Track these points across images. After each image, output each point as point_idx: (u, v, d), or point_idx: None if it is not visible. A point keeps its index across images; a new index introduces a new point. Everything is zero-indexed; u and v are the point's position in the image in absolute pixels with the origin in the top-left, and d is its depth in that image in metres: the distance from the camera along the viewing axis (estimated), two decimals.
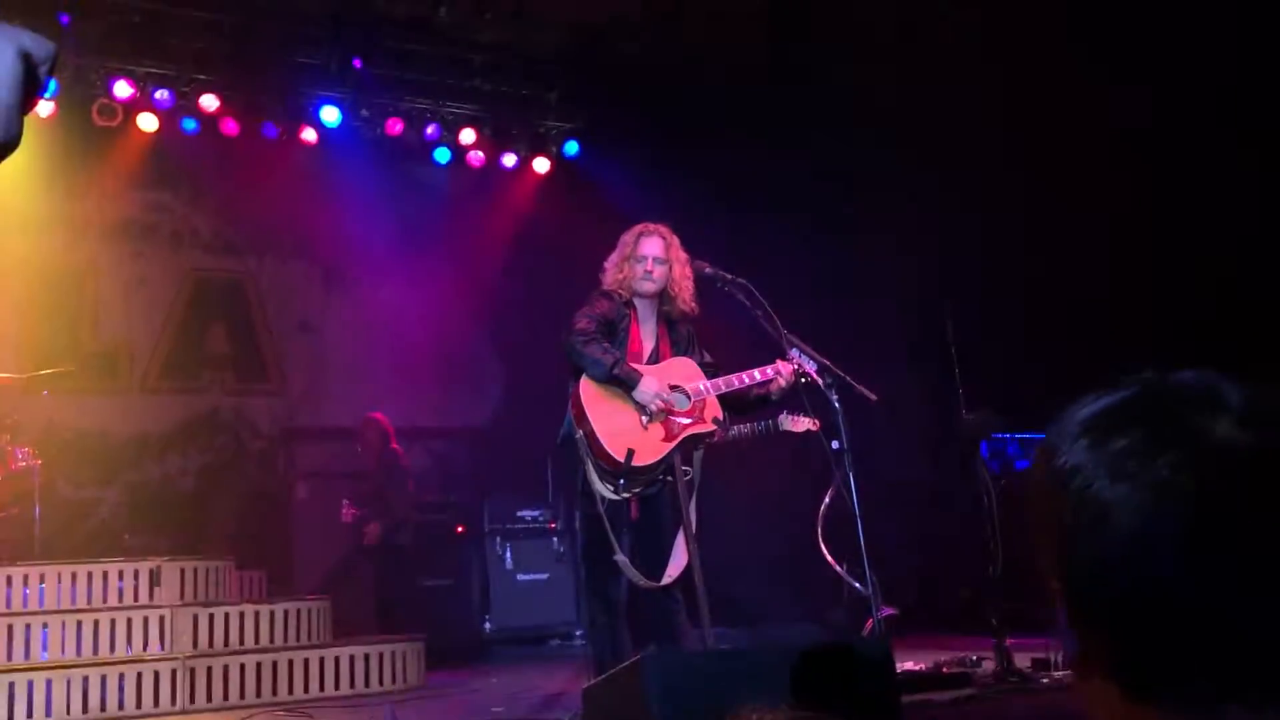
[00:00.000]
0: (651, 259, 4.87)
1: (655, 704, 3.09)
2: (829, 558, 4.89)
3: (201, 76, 8.59)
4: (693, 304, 4.96)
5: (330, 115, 8.99)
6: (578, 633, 8.60)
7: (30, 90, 0.83)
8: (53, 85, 8.12)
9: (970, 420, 5.46)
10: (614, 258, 4.98)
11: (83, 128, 8.37)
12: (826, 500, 4.88)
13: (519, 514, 8.90)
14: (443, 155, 9.57)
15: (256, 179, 9.22)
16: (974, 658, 5.41)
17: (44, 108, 8.15)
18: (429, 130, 9.39)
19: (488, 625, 8.51)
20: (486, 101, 9.48)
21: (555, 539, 8.85)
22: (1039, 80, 7.03)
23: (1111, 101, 6.79)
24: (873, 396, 4.82)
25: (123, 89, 8.32)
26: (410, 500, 8.33)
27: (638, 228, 4.98)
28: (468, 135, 9.46)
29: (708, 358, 5.09)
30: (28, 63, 0.83)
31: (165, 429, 9.12)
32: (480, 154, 9.62)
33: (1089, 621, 0.82)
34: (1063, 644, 0.88)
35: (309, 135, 9.08)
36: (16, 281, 8.58)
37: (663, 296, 4.94)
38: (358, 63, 8.93)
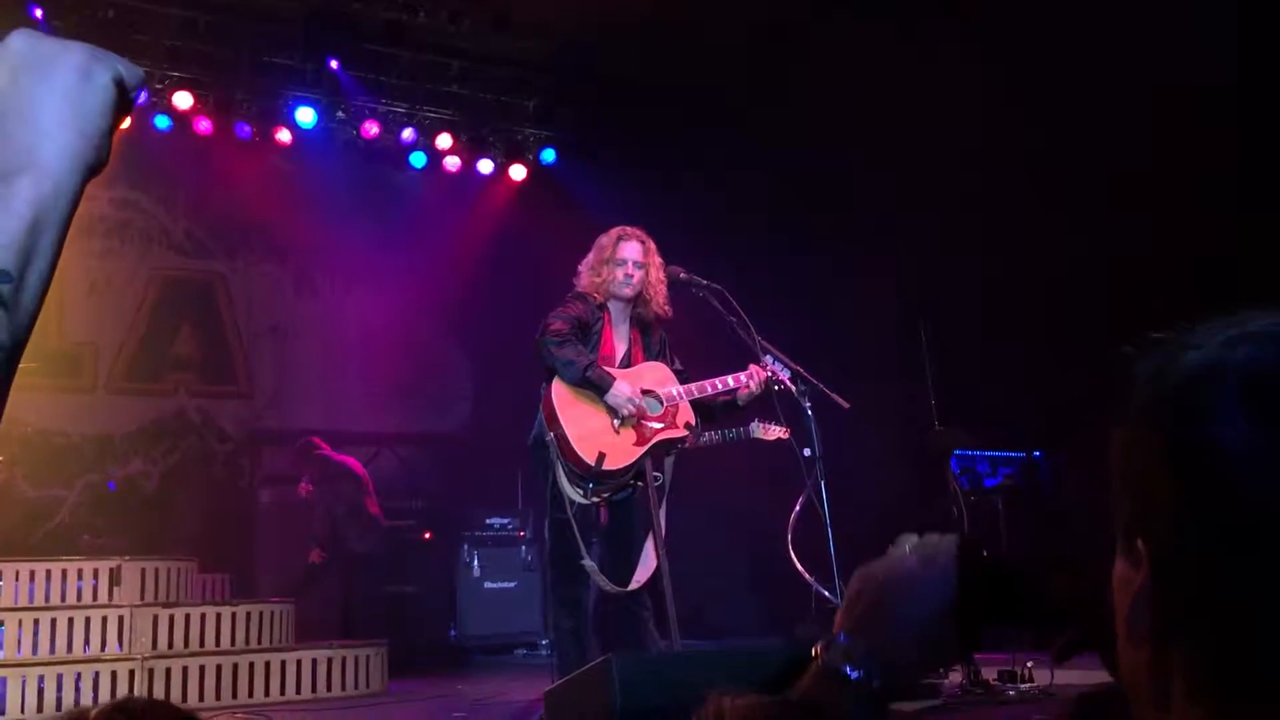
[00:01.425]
0: (631, 263, 4.86)
1: (620, 703, 3.04)
2: (799, 566, 4.87)
3: (175, 74, 8.51)
4: (666, 308, 4.94)
5: (305, 116, 8.93)
6: (544, 642, 8.53)
7: (120, 117, 0.85)
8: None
9: (942, 433, 5.46)
10: (591, 260, 4.95)
11: None
12: (797, 509, 4.85)
13: (487, 522, 8.83)
14: (419, 160, 9.52)
15: (229, 179, 9.15)
16: (940, 669, 5.38)
17: None
18: (405, 134, 9.34)
19: (454, 633, 8.43)
20: (464, 107, 9.44)
21: (524, 548, 8.78)
22: (1017, 95, 7.08)
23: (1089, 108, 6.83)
24: (845, 404, 4.81)
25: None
26: (350, 504, 8.17)
27: (616, 231, 4.96)
28: (444, 140, 9.42)
29: (678, 364, 5.08)
30: (121, 89, 0.88)
31: (129, 430, 9.00)
32: (456, 160, 9.59)
33: (1191, 611, 0.72)
34: (1124, 648, 0.80)
35: (283, 136, 9.02)
36: None
37: (637, 300, 4.93)
38: (334, 64, 8.86)
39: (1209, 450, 0.71)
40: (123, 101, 0.90)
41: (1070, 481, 6.75)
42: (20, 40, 0.88)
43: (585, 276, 4.94)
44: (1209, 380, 0.73)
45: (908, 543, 1.01)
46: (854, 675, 0.93)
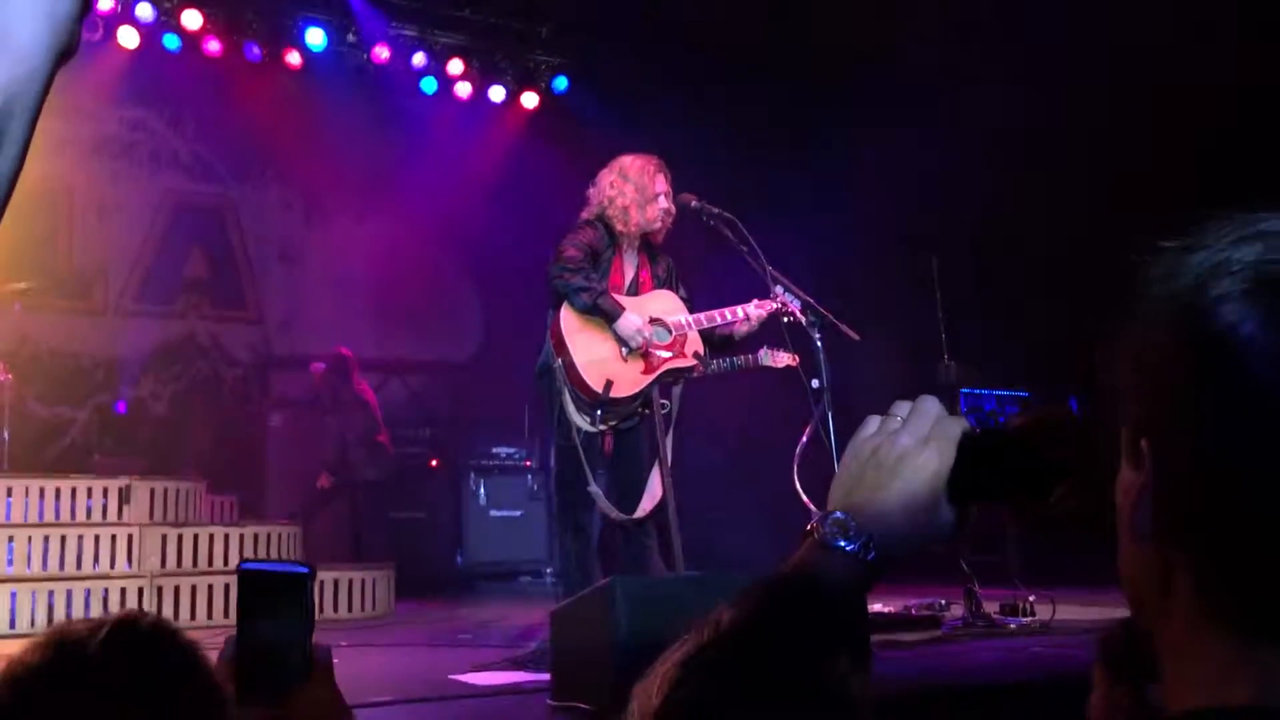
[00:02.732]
0: (664, 195, 4.82)
1: (623, 625, 3.07)
2: (804, 497, 4.87)
3: None
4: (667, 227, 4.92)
5: (315, 38, 8.81)
6: (548, 570, 8.61)
7: (87, 3, 0.85)
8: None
9: (951, 367, 5.43)
10: (627, 191, 4.82)
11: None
12: (803, 439, 4.85)
13: (494, 450, 8.88)
14: (429, 86, 9.41)
15: (238, 102, 9.06)
16: (943, 602, 5.43)
17: None
18: (416, 59, 9.21)
19: (460, 559, 8.51)
20: (476, 32, 9.31)
21: (530, 477, 8.84)
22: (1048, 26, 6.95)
23: (1118, 57, 6.71)
24: (855, 335, 4.79)
25: (104, 1, 8.12)
26: (361, 435, 8.23)
27: (646, 163, 4.86)
28: (455, 66, 9.30)
29: (683, 292, 5.05)
30: None
31: (139, 353, 9.02)
32: (468, 86, 9.47)
33: (1196, 504, 0.71)
34: (1127, 556, 0.79)
35: (293, 59, 8.91)
36: None
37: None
38: None
39: (1221, 343, 0.70)
40: None
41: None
42: None
43: (607, 197, 4.84)
44: (1219, 276, 0.72)
45: (900, 411, 1.01)
46: (849, 548, 0.94)
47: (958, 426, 1.00)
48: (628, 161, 4.92)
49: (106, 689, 1.07)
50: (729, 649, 0.94)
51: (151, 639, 1.15)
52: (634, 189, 4.86)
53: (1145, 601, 0.78)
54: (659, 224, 4.84)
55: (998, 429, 0.99)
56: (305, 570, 1.26)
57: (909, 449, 0.98)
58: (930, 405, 1.01)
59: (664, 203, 4.83)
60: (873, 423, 1.03)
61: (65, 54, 0.86)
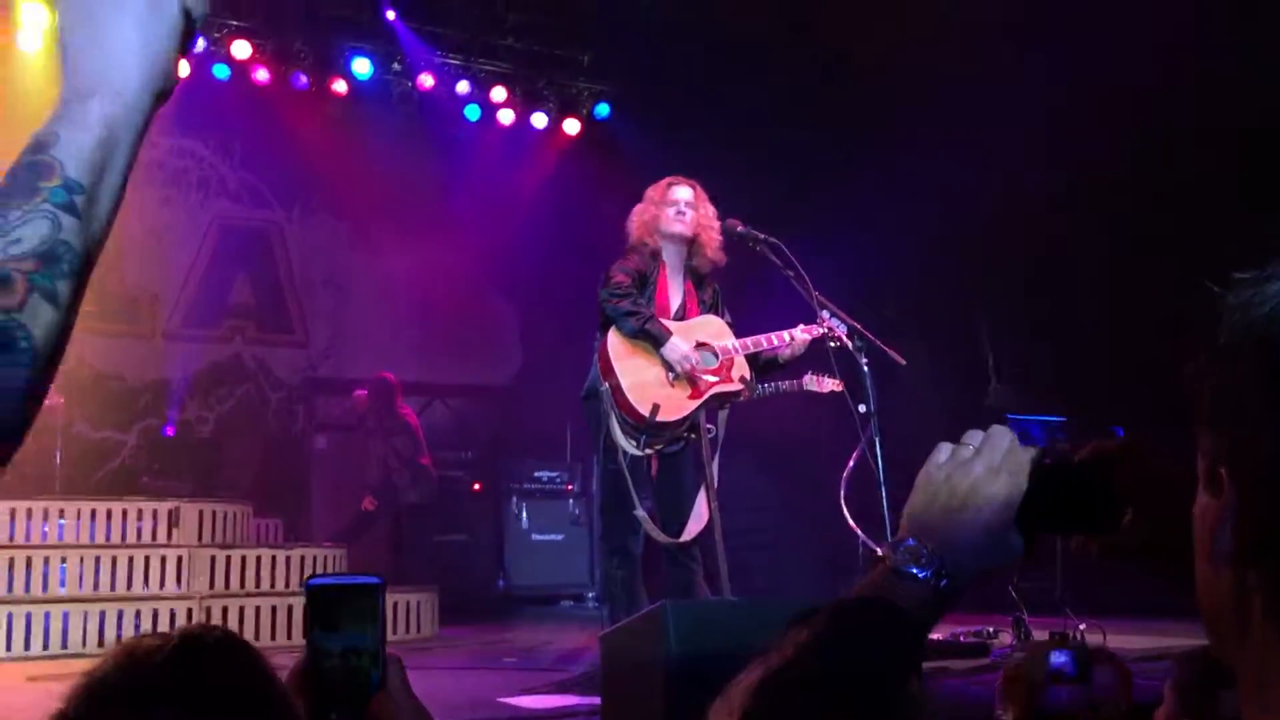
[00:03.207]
0: (683, 202, 4.87)
1: (675, 649, 3.07)
2: (851, 522, 4.86)
3: (234, 23, 8.54)
4: (720, 254, 4.94)
5: (362, 67, 8.94)
6: (590, 595, 8.61)
7: (185, 44, 0.93)
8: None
9: (1000, 390, 5.41)
10: (641, 206, 4.95)
11: None
12: (851, 464, 4.83)
13: (536, 474, 8.90)
14: (473, 112, 9.50)
15: (286, 129, 9.19)
16: (991, 630, 5.38)
17: None
18: (460, 87, 9.32)
19: (501, 583, 8.52)
20: (519, 60, 9.40)
21: (571, 501, 8.85)
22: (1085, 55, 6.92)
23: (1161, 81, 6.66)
24: (902, 360, 4.78)
25: None
26: (404, 458, 8.30)
27: (666, 179, 4.98)
28: (499, 93, 9.40)
29: (728, 318, 5.07)
30: (187, 17, 0.93)
31: (187, 376, 9.14)
32: (511, 113, 9.56)
33: (1273, 545, 0.72)
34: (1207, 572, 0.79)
35: (339, 87, 9.03)
36: None
37: (691, 248, 4.92)
38: (391, 15, 8.86)
39: None
40: (188, 30, 0.94)
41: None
42: None
43: (635, 220, 4.94)
44: None
45: (973, 440, 1.02)
46: (921, 575, 0.96)
47: (1029, 456, 1.01)
48: (651, 186, 5.02)
49: (178, 702, 1.08)
50: (805, 672, 0.95)
51: (221, 652, 1.16)
52: (642, 203, 4.97)
53: (1223, 627, 0.78)
54: (678, 227, 4.87)
55: (1069, 459, 1.01)
56: (377, 581, 1.28)
57: (981, 478, 1.00)
58: (1003, 435, 1.03)
59: (674, 210, 4.86)
60: (945, 450, 1.04)
61: (162, 95, 0.91)
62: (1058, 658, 1.93)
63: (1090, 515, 1.00)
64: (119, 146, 0.86)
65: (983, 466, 1.00)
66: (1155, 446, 1.02)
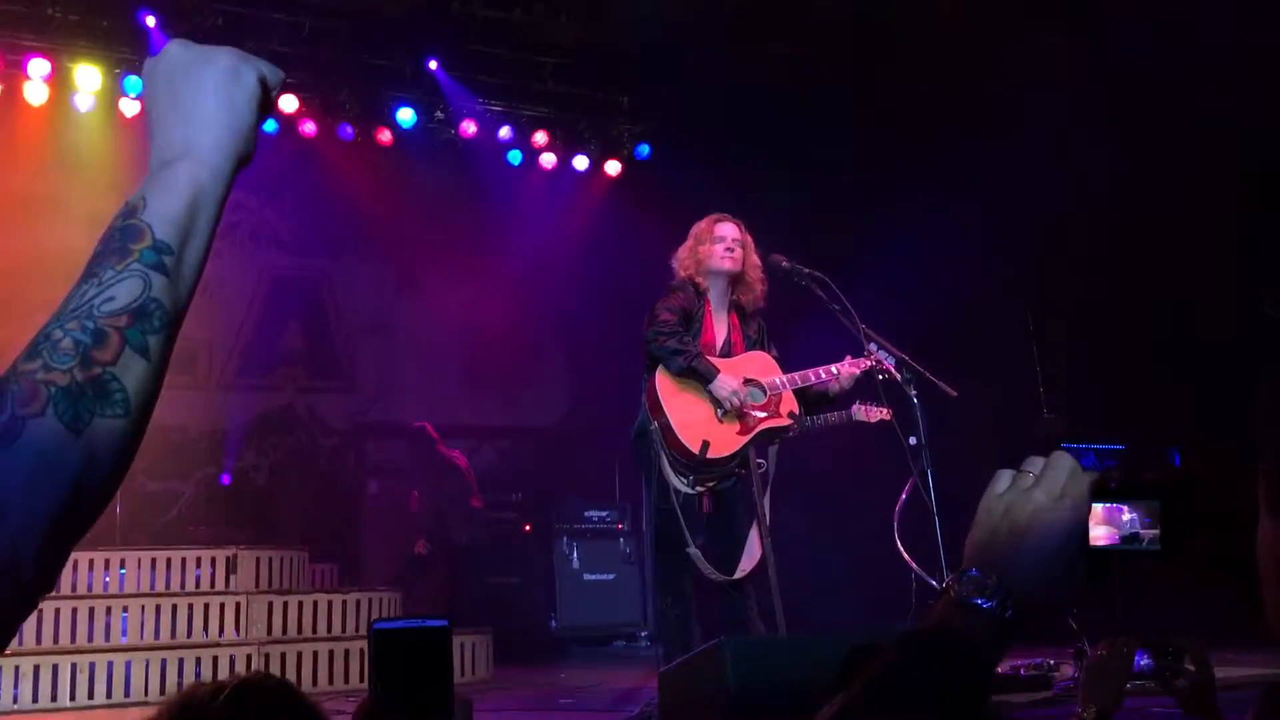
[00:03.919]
0: (730, 238, 4.91)
1: (734, 685, 3.07)
2: (905, 555, 4.84)
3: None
4: (762, 295, 4.97)
5: (405, 116, 9.10)
6: (643, 634, 8.59)
7: (264, 113, 0.99)
8: (139, 84, 8.36)
9: (1051, 419, 5.37)
10: (687, 245, 5.00)
11: None
12: (903, 496, 4.82)
13: (586, 514, 8.91)
14: (515, 157, 9.63)
15: (333, 180, 9.36)
16: (1051, 662, 5.30)
17: (130, 107, 8.37)
18: (502, 133, 9.45)
19: (554, 623, 8.52)
20: (559, 104, 9.53)
21: (622, 540, 8.84)
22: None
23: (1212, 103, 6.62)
24: (953, 392, 4.77)
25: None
26: (451, 498, 8.38)
27: (711, 215, 5.02)
28: (540, 137, 9.52)
29: (774, 353, 5.09)
30: (264, 87, 0.98)
31: (241, 425, 9.28)
32: (552, 156, 9.67)
33: None
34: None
35: (384, 136, 9.19)
36: None
37: (737, 283, 4.95)
38: (433, 64, 9.02)
39: None
40: (265, 99, 0.99)
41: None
42: (176, 48, 0.98)
43: (683, 259, 4.98)
44: None
45: (1033, 467, 1.01)
46: (987, 606, 0.95)
47: (1091, 480, 1.00)
48: (696, 223, 5.07)
49: None
50: (875, 706, 0.96)
51: (276, 698, 1.17)
52: (691, 239, 5.00)
53: None
54: (728, 263, 4.90)
55: (1134, 483, 1.00)
56: (443, 624, 1.29)
57: (1044, 505, 0.99)
58: (1064, 461, 1.01)
59: (722, 247, 4.89)
60: (1005, 478, 1.03)
61: (243, 161, 0.97)
62: (1142, 659, 1.92)
63: (1159, 540, 0.98)
64: (204, 210, 0.91)
65: (1044, 494, 0.99)
66: (1221, 473, 1.01)
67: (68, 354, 0.80)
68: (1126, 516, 0.99)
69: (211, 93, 0.96)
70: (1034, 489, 1.00)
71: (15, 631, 0.78)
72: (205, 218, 0.91)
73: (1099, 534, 0.99)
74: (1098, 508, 0.99)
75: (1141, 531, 0.99)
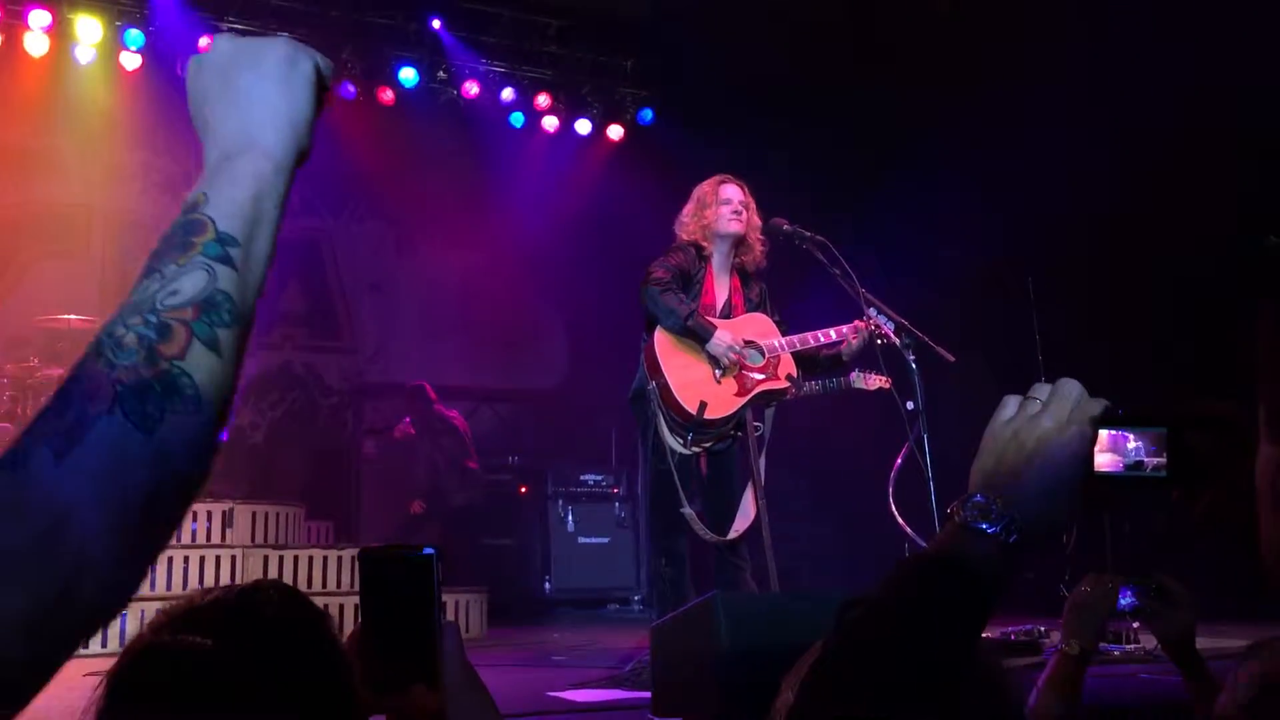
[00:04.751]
0: (737, 200, 4.90)
1: (726, 639, 3.09)
2: (899, 520, 4.85)
3: (283, 33, 8.64)
4: (763, 258, 4.97)
5: (408, 76, 9.05)
6: (636, 598, 8.64)
7: (321, 104, 0.96)
8: (140, 38, 8.30)
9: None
10: (690, 208, 4.98)
11: (169, 80, 8.50)
12: (899, 461, 4.83)
13: (582, 478, 8.94)
14: (517, 119, 9.58)
15: (334, 139, 9.30)
16: (1042, 629, 5.33)
17: (130, 60, 8.32)
18: (505, 94, 9.40)
19: (547, 586, 8.57)
20: (562, 67, 9.47)
21: (617, 504, 8.88)
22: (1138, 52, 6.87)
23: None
24: (951, 357, 4.77)
25: (207, 43, 8.42)
26: (451, 461, 8.39)
27: (714, 177, 5.00)
28: (543, 100, 9.47)
29: (778, 316, 5.09)
30: (320, 77, 0.95)
31: (239, 383, 9.26)
32: (555, 120, 9.62)
33: None
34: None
35: (386, 96, 9.14)
36: (99, 229, 8.78)
37: (740, 245, 4.94)
38: (436, 24, 8.97)
39: None
40: (322, 89, 0.96)
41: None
42: (225, 41, 0.96)
43: (688, 223, 4.97)
44: None
45: (1040, 394, 1.00)
46: (991, 531, 0.95)
47: (1099, 407, 0.99)
48: (698, 186, 5.04)
49: (239, 634, 1.08)
50: (878, 629, 0.96)
51: (285, 597, 1.16)
52: (695, 202, 4.98)
53: None
54: (735, 225, 4.88)
55: (1144, 412, 0.99)
56: (430, 552, 1.28)
57: (1049, 431, 0.98)
58: (1071, 388, 1.01)
59: (729, 209, 4.88)
60: (1011, 404, 1.02)
61: (304, 154, 0.94)
62: (1125, 596, 1.94)
63: (1170, 471, 0.97)
64: (268, 204, 0.88)
65: (1051, 420, 0.98)
66: (1241, 417, 0.99)
67: (132, 349, 0.76)
68: (1132, 444, 0.98)
69: (272, 82, 0.93)
70: (1041, 415, 0.99)
71: (96, 632, 0.75)
72: (269, 212, 0.88)
73: (1104, 461, 0.98)
74: (1104, 434, 0.98)
75: (1146, 459, 0.98)
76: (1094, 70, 7.16)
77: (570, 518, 8.75)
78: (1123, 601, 1.96)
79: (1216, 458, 0.94)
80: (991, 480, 0.99)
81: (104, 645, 5.58)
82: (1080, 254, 7.46)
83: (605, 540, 8.77)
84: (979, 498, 0.97)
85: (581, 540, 8.71)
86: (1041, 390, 1.02)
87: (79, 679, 0.96)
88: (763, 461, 4.82)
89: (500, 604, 7.28)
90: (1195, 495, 1.00)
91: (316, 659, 1.13)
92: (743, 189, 4.96)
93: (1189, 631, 2.00)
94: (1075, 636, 1.97)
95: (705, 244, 4.92)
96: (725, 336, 4.69)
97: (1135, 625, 4.99)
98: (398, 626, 1.26)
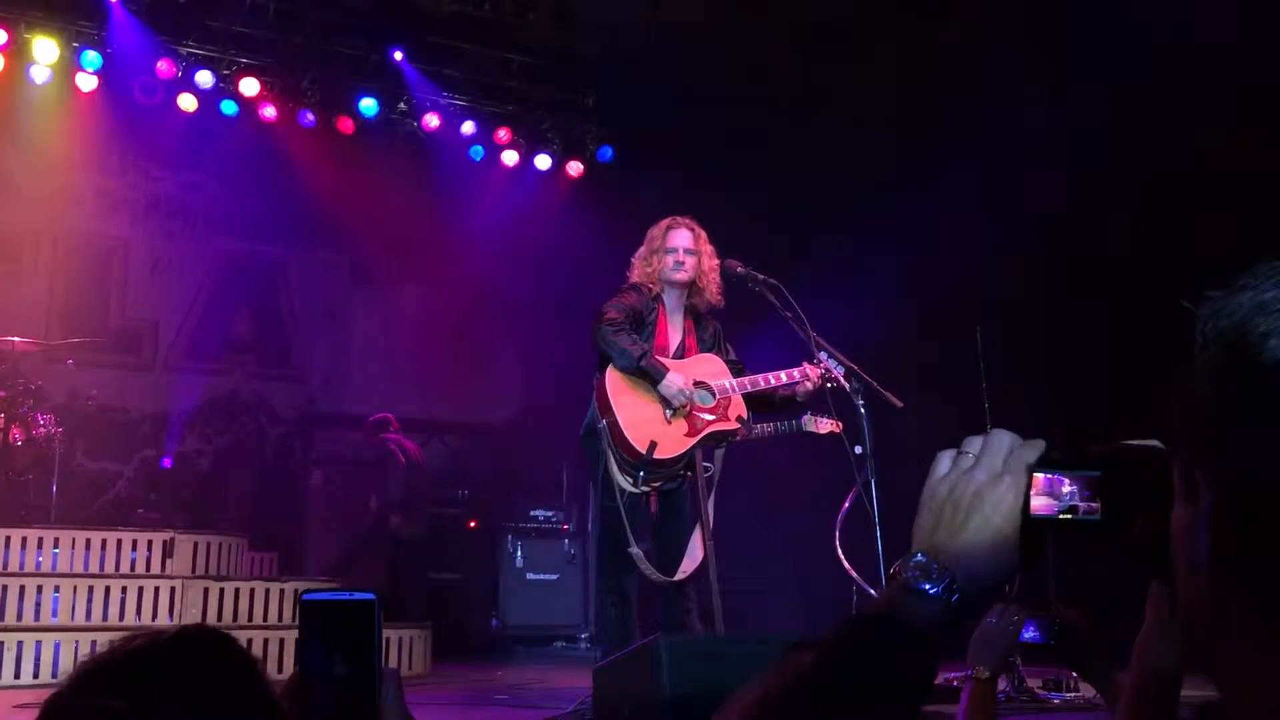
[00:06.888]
0: (682, 249, 4.91)
1: (667, 684, 3.07)
2: (845, 563, 4.86)
3: (243, 60, 8.65)
4: (719, 297, 4.98)
5: (368, 105, 9.04)
6: (583, 635, 8.57)
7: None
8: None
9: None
10: (642, 251, 5.00)
11: (125, 103, 8.43)
12: (846, 505, 4.84)
13: (532, 513, 8.89)
14: (477, 153, 9.59)
15: (291, 166, 9.27)
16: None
17: (86, 81, 8.24)
18: (465, 128, 9.41)
19: (495, 622, 8.49)
20: (524, 102, 9.51)
21: (567, 541, 8.83)
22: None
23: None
24: (899, 403, 4.80)
25: (165, 67, 8.38)
26: (398, 489, 8.35)
27: (665, 221, 5.01)
28: (503, 134, 9.49)
29: (733, 355, 5.10)
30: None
31: (185, 409, 9.16)
32: (515, 154, 9.65)
33: (1247, 547, 0.73)
34: (1183, 566, 0.80)
35: (346, 125, 9.12)
36: (48, 250, 8.65)
37: (691, 288, 4.96)
38: (398, 55, 8.97)
39: (1265, 376, 0.72)
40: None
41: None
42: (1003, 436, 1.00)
43: (638, 267, 4.99)
44: (1264, 314, 0.74)
45: (972, 448, 0.99)
46: (933, 591, 0.94)
47: (1035, 452, 0.98)
48: (652, 226, 5.06)
49: (174, 680, 1.06)
50: (811, 690, 0.94)
51: (219, 645, 1.14)
52: (645, 245, 5.00)
53: (1202, 634, 0.79)
54: (679, 275, 4.89)
55: (1078, 455, 0.97)
56: (370, 597, 1.26)
57: (984, 484, 0.97)
58: (1002, 438, 0.99)
59: (673, 259, 4.89)
60: (945, 460, 1.01)
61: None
62: (1029, 631, 1.96)
63: (1105, 514, 0.96)
64: None
65: (984, 473, 0.97)
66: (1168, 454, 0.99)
67: None
68: (1066, 488, 0.97)
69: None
70: (974, 469, 0.98)
71: None
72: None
73: (1039, 504, 0.96)
74: (1039, 477, 0.97)
75: (1080, 504, 0.97)
76: (1051, 114, 7.30)
77: (519, 553, 8.69)
78: (1026, 635, 1.99)
79: (1149, 494, 0.94)
80: (931, 539, 0.98)
81: (35, 676, 5.45)
82: (1035, 293, 7.57)
83: (554, 577, 8.71)
84: (920, 557, 0.96)
85: (530, 576, 8.65)
86: (973, 444, 1.01)
87: (8, 711, 0.93)
88: (711, 503, 4.82)
89: (446, 640, 7.20)
90: (1128, 533, 0.99)
91: (243, 715, 1.10)
92: (693, 231, 4.97)
93: (1102, 657, 2.00)
94: (982, 664, 2.01)
95: (654, 287, 4.93)
96: (677, 379, 4.70)
97: (1075, 675, 5.02)
98: (335, 675, 1.24)
